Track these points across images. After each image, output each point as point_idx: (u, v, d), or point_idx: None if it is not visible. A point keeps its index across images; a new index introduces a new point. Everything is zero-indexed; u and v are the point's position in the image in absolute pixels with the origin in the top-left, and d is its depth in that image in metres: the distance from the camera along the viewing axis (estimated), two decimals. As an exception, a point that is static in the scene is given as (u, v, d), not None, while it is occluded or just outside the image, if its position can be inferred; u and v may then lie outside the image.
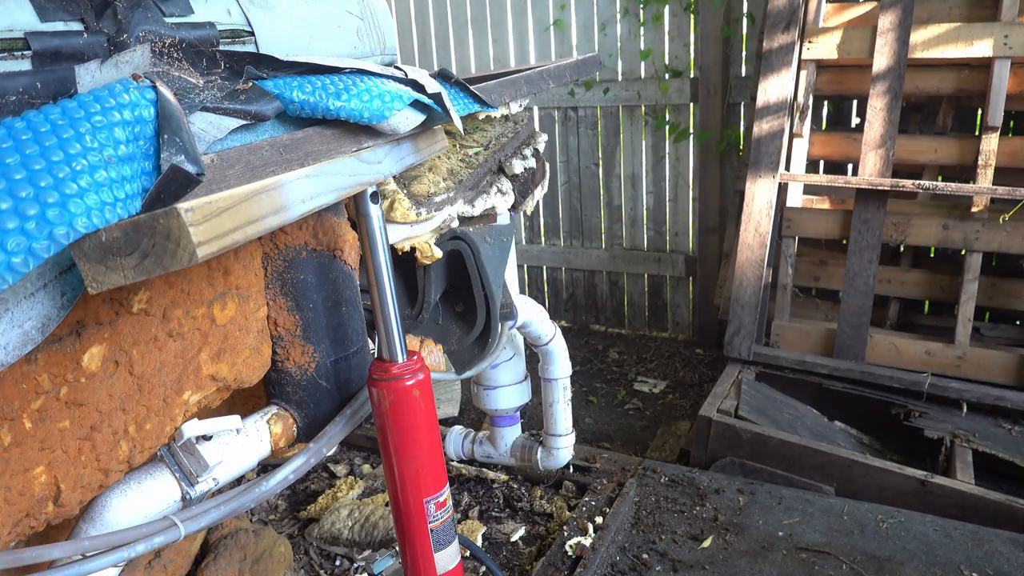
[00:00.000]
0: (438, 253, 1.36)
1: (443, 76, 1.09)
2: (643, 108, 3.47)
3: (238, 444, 1.03)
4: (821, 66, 2.81)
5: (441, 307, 1.59)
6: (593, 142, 3.63)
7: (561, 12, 3.52)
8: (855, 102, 3.08)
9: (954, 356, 2.60)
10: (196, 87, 0.78)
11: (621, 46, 3.46)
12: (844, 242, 2.85)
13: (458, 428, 2.14)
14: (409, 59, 3.95)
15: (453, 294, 1.57)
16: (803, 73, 2.76)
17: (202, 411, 1.09)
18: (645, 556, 1.97)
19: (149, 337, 0.89)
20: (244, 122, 0.79)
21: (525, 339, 1.94)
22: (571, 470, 2.27)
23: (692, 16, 3.28)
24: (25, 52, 0.73)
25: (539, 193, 1.82)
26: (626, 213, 3.66)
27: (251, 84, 0.83)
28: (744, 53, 3.25)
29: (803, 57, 2.74)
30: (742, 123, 3.30)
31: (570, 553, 1.90)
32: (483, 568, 1.93)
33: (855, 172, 2.74)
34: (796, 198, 2.92)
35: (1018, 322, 2.87)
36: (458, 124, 1.04)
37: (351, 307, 1.17)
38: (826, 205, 2.94)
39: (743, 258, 2.75)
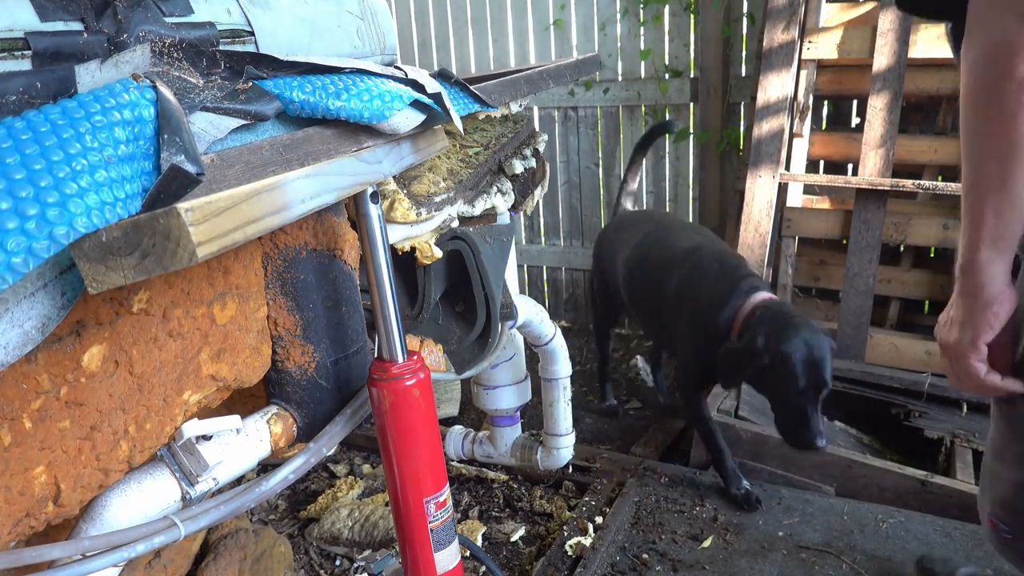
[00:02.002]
0: (438, 253, 1.36)
1: (443, 76, 1.09)
2: (643, 108, 3.47)
3: (238, 444, 1.03)
4: (821, 66, 2.81)
5: (441, 307, 1.59)
6: (593, 142, 3.62)
7: (561, 12, 3.52)
8: (855, 102, 3.08)
9: (954, 356, 2.59)
10: (196, 87, 0.78)
11: (621, 46, 3.46)
12: (844, 242, 2.85)
13: (458, 428, 2.14)
14: (409, 59, 3.95)
15: (453, 294, 1.57)
16: (803, 73, 2.76)
17: (202, 411, 1.09)
18: (645, 556, 1.97)
19: (149, 337, 0.89)
20: (244, 122, 0.79)
21: (525, 339, 1.94)
22: (571, 470, 2.27)
23: (692, 16, 3.27)
24: (25, 52, 0.73)
25: (539, 193, 1.82)
26: (626, 213, 3.66)
27: (251, 84, 0.83)
28: (744, 53, 3.25)
29: (803, 57, 2.74)
30: (742, 123, 3.30)
31: (570, 553, 1.90)
32: (483, 568, 1.93)
33: (855, 172, 2.74)
34: (796, 198, 2.92)
35: (1018, 322, 2.87)
36: (458, 124, 1.04)
37: (351, 307, 1.17)
38: (826, 205, 2.94)
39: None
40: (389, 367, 1.08)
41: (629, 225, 2.62)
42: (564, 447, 2.01)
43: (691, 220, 3.54)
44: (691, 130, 3.40)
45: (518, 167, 1.64)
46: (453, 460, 2.27)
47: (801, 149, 2.84)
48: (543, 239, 3.89)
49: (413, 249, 1.35)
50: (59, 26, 0.76)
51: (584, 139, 3.64)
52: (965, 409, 2.52)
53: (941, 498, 2.09)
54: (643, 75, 3.44)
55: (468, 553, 1.85)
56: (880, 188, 2.61)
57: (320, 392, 1.14)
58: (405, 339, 1.11)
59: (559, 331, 1.93)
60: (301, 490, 2.36)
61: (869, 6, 2.72)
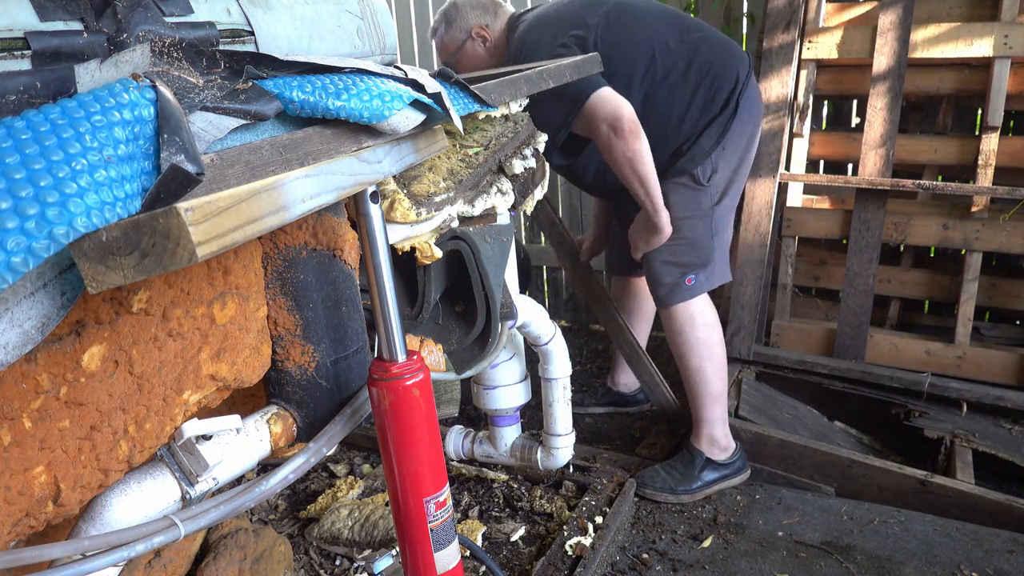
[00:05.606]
0: (438, 253, 1.36)
1: (443, 76, 1.09)
2: (643, 108, 3.46)
3: (238, 444, 1.03)
4: (821, 66, 2.81)
5: (441, 307, 1.59)
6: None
7: (561, 12, 3.52)
8: (855, 102, 3.08)
9: (954, 356, 2.60)
10: (196, 87, 0.78)
11: (621, 46, 3.46)
12: (844, 242, 2.86)
13: (458, 428, 2.14)
14: (409, 59, 3.95)
15: (453, 294, 1.57)
16: (803, 73, 2.76)
17: (202, 411, 1.09)
18: (645, 556, 1.97)
19: (149, 337, 0.89)
20: (244, 122, 0.79)
21: (525, 339, 1.94)
22: (571, 470, 2.27)
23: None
24: (25, 51, 0.73)
25: (539, 193, 1.82)
26: (626, 213, 3.66)
27: (251, 84, 0.83)
28: (744, 53, 3.25)
29: (803, 57, 2.74)
30: (742, 123, 3.29)
31: (570, 553, 1.90)
32: (483, 568, 1.93)
33: (855, 172, 2.74)
34: (796, 198, 2.92)
35: (1018, 322, 2.87)
36: (458, 124, 1.04)
37: (351, 307, 1.17)
38: (826, 205, 2.94)
39: (743, 258, 2.75)
40: (389, 367, 1.08)
41: None
42: (564, 447, 2.01)
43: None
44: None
45: (518, 167, 1.64)
46: (453, 460, 2.27)
47: (801, 149, 2.84)
48: (543, 239, 3.89)
49: (413, 249, 1.35)
50: (59, 26, 0.76)
51: (584, 139, 3.63)
52: (965, 409, 2.52)
53: (941, 498, 2.09)
54: (643, 75, 3.44)
55: (468, 553, 1.85)
56: (880, 188, 2.61)
57: (320, 392, 1.14)
58: (405, 339, 1.11)
59: (559, 331, 1.92)
60: (301, 490, 2.36)
61: (869, 6, 2.72)
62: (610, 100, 1.87)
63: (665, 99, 2.06)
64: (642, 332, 2.75)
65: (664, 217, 2.02)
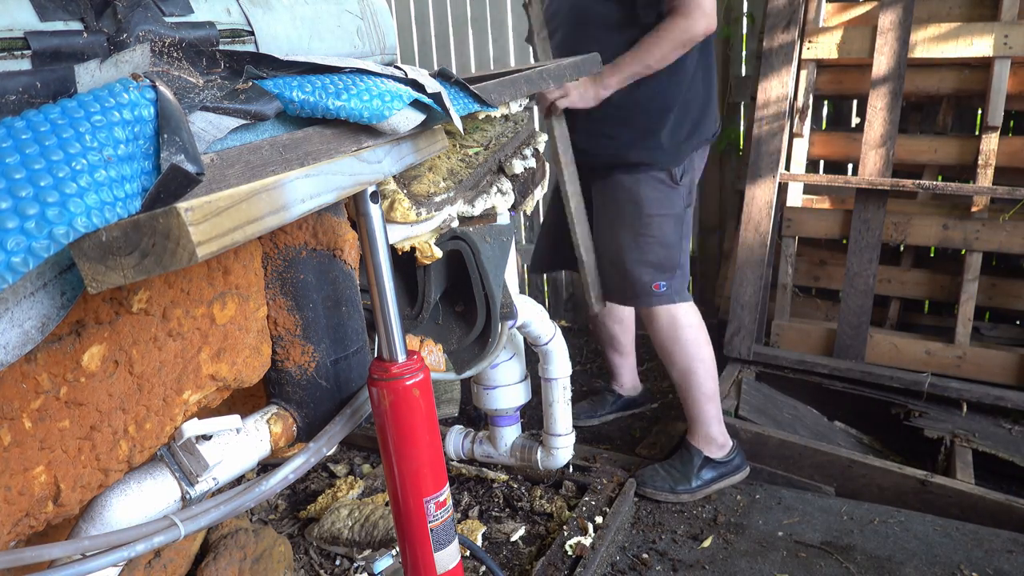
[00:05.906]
0: (438, 253, 1.36)
1: (443, 76, 1.09)
2: (643, 108, 3.46)
3: (238, 444, 1.03)
4: (821, 66, 2.81)
5: (441, 307, 1.59)
6: (593, 142, 3.61)
7: (561, 12, 3.52)
8: (855, 102, 3.08)
9: (954, 356, 2.60)
10: (196, 87, 0.78)
11: (621, 46, 3.45)
12: (844, 242, 2.86)
13: (458, 428, 2.14)
14: (409, 59, 3.95)
15: (453, 294, 1.57)
16: (803, 73, 2.76)
17: (202, 411, 1.09)
18: (645, 556, 1.97)
19: (149, 337, 0.89)
20: (244, 122, 0.79)
21: (525, 339, 1.94)
22: (571, 470, 2.27)
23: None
24: (25, 51, 0.73)
25: (539, 193, 1.82)
26: (626, 213, 3.65)
27: (251, 84, 0.83)
28: (744, 53, 3.25)
29: (803, 57, 2.74)
30: (742, 123, 3.29)
31: (570, 553, 1.90)
32: (483, 568, 1.93)
33: (855, 172, 2.74)
34: (796, 198, 2.92)
35: (1018, 322, 2.87)
36: (458, 124, 1.04)
37: (351, 307, 1.17)
38: (826, 205, 2.94)
39: (743, 258, 2.75)
40: (389, 367, 1.08)
41: None
42: (564, 447, 2.01)
43: (692, 220, 3.53)
44: (691, 130, 3.40)
45: (518, 167, 1.64)
46: (453, 460, 2.27)
47: (801, 149, 2.84)
48: (543, 239, 3.88)
49: (413, 249, 1.35)
50: (59, 26, 0.76)
51: (584, 139, 3.62)
52: (965, 409, 2.52)
53: (941, 498, 2.09)
54: (643, 75, 3.43)
55: (468, 553, 1.85)
56: (880, 188, 2.61)
57: (320, 392, 1.14)
58: (405, 339, 1.11)
59: (559, 331, 1.92)
60: (301, 490, 2.36)
61: (869, 6, 2.72)
62: (711, 8, 1.95)
63: (676, 70, 2.05)
64: (628, 328, 2.74)
65: (608, 93, 2.04)
